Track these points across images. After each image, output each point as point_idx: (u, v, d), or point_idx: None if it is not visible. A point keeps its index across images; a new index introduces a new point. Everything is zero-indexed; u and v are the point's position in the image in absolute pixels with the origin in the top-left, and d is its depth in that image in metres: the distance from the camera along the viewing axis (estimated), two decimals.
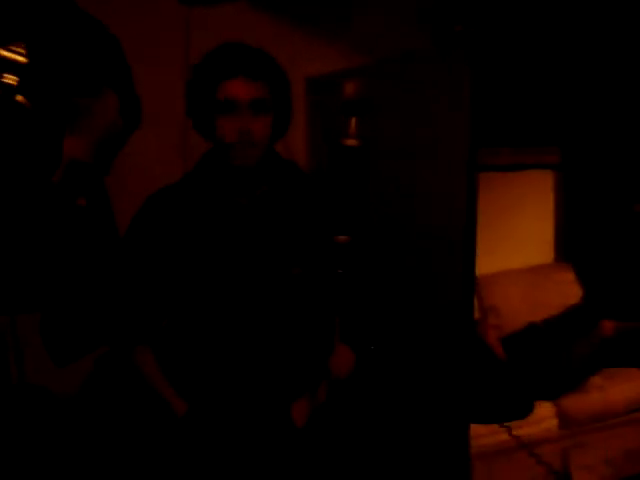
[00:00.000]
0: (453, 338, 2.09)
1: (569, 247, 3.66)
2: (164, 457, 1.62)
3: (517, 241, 3.48)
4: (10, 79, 1.18)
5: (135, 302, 1.57)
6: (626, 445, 2.94)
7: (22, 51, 1.19)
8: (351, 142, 1.46)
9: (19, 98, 1.19)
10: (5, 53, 1.18)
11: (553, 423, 2.88)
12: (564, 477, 2.82)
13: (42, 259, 1.24)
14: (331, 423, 1.67)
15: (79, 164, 1.25)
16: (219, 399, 1.58)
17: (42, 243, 1.23)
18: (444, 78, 1.98)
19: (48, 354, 1.40)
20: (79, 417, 1.92)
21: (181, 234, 1.58)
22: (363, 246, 1.61)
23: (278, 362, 1.59)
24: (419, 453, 2.13)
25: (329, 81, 2.03)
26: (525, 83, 3.00)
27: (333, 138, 1.47)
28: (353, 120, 1.45)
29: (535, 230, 3.61)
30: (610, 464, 2.87)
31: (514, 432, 2.74)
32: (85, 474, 1.85)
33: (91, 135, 1.27)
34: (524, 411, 2.80)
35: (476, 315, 2.96)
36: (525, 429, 2.78)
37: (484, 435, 2.64)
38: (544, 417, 2.86)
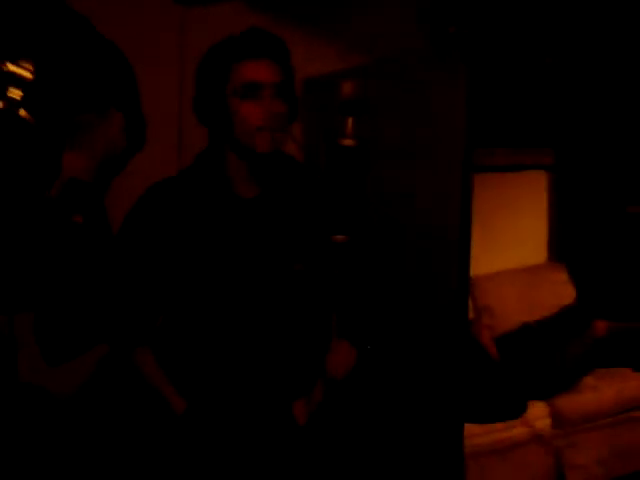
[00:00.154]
0: (447, 338, 2.09)
1: (563, 248, 3.68)
2: (164, 456, 1.62)
3: (510, 241, 3.49)
4: (15, 93, 1.20)
5: (131, 300, 1.56)
6: (619, 445, 2.95)
7: (29, 67, 1.21)
8: (348, 142, 1.46)
9: (22, 113, 1.20)
10: (12, 68, 1.20)
11: (546, 423, 2.89)
12: (557, 477, 2.84)
13: (37, 267, 1.26)
14: (329, 421, 1.67)
15: (78, 182, 1.26)
16: (219, 397, 1.58)
17: (38, 253, 1.25)
18: (440, 79, 1.98)
19: (41, 354, 1.40)
20: (78, 417, 1.92)
21: (180, 229, 1.56)
22: (360, 246, 1.60)
23: (278, 360, 1.58)
24: (413, 452, 2.13)
25: (326, 81, 2.04)
26: (520, 85, 3.02)
27: (330, 138, 1.47)
28: (350, 120, 1.45)
29: (529, 230, 3.62)
30: (603, 464, 2.88)
31: (508, 431, 2.75)
32: (84, 473, 1.84)
33: (93, 153, 1.28)
34: (517, 411, 2.81)
35: (470, 315, 2.97)
36: (518, 429, 2.80)
37: (478, 435, 2.65)
38: (537, 417, 2.87)
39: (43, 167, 1.26)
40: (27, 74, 1.20)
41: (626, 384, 3.07)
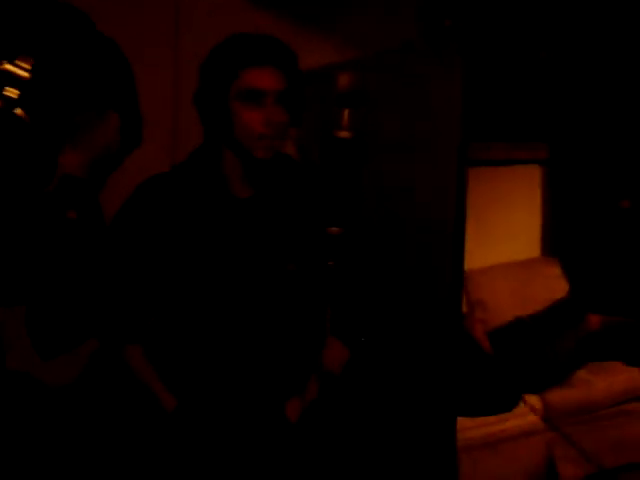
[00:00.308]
0: (441, 332, 2.10)
1: (556, 242, 3.69)
2: (155, 452, 1.61)
3: (504, 235, 3.50)
4: (11, 92, 1.21)
5: (123, 296, 1.56)
6: (611, 438, 2.97)
7: (27, 66, 1.22)
8: (344, 134, 1.46)
9: (18, 112, 1.21)
10: (9, 67, 1.21)
11: (539, 416, 2.91)
12: (549, 469, 2.85)
13: (31, 261, 1.26)
14: (323, 417, 1.67)
15: (72, 178, 1.27)
16: (210, 395, 1.57)
17: (32, 248, 1.25)
18: (437, 72, 1.98)
19: (33, 347, 1.40)
20: (71, 409, 1.91)
21: (172, 226, 1.55)
22: (354, 238, 1.60)
23: (270, 357, 1.58)
24: (406, 446, 2.14)
25: (322, 73, 2.03)
26: (515, 79, 3.02)
27: (326, 130, 1.47)
28: (346, 112, 1.45)
29: (522, 225, 3.63)
30: (595, 456, 2.90)
31: (500, 425, 2.76)
32: (76, 466, 1.84)
33: (88, 152, 1.30)
34: (510, 404, 2.82)
35: (463, 309, 2.98)
36: (511, 422, 2.81)
37: (470, 428, 2.66)
38: (530, 410, 2.89)
39: (39, 166, 1.26)
40: (24, 73, 1.21)
41: (618, 378, 3.09)
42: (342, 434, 1.99)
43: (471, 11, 2.41)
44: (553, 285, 3.43)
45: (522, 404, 2.86)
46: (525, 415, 2.86)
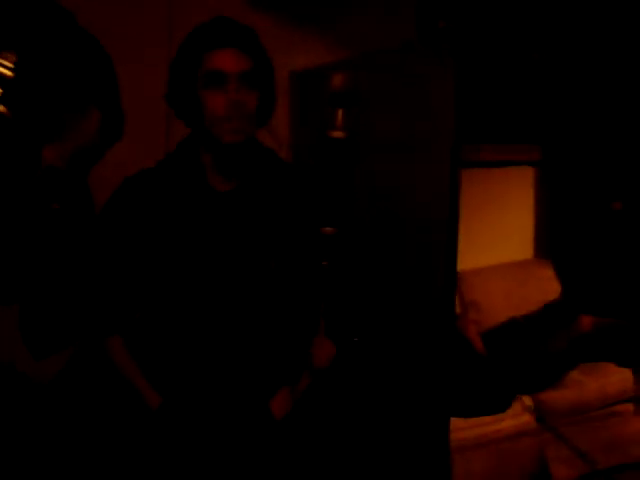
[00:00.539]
0: (434, 332, 2.10)
1: (549, 244, 3.70)
2: (139, 449, 1.61)
3: (497, 237, 3.51)
4: None
5: (105, 287, 1.55)
6: (603, 438, 2.98)
7: (9, 65, 1.22)
8: (337, 134, 1.46)
9: (1, 108, 1.20)
10: None
11: (531, 417, 2.91)
12: (542, 470, 2.86)
13: (19, 254, 1.26)
14: (312, 415, 1.67)
15: (54, 170, 1.27)
16: (195, 392, 1.56)
17: (19, 240, 1.26)
18: (430, 74, 1.99)
19: (26, 347, 1.40)
20: (55, 403, 1.90)
21: (154, 221, 1.54)
22: (348, 238, 1.60)
23: (254, 354, 1.57)
24: (399, 446, 2.14)
25: (316, 73, 2.04)
26: (508, 81, 3.03)
27: (320, 130, 1.47)
28: (340, 112, 1.45)
29: (515, 226, 3.64)
30: (587, 457, 2.91)
31: (493, 425, 2.77)
32: (59, 459, 1.83)
33: (70, 145, 1.31)
34: (503, 405, 2.83)
35: (457, 310, 2.98)
36: (504, 423, 2.82)
37: (464, 428, 2.67)
38: (523, 411, 2.89)
39: (22, 161, 1.27)
40: (7, 72, 1.22)
41: (610, 379, 3.11)
42: (336, 434, 1.99)
43: (465, 13, 2.42)
44: (546, 286, 3.44)
45: (515, 405, 2.87)
46: (518, 416, 2.87)
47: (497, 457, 2.78)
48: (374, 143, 2.02)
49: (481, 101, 2.77)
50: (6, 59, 1.21)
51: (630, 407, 3.10)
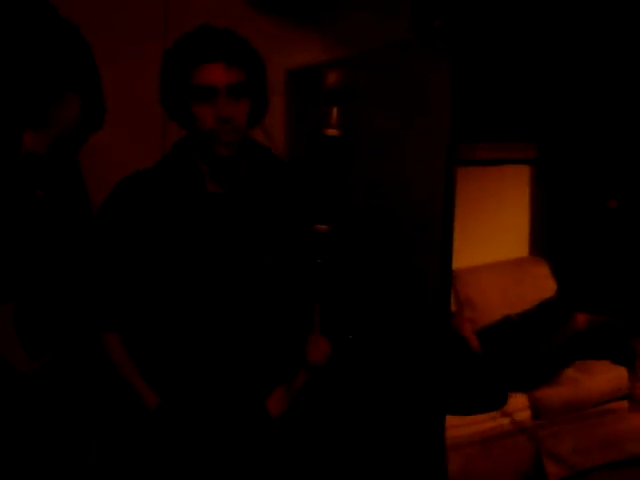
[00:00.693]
0: (430, 330, 2.10)
1: (544, 242, 3.71)
2: (137, 449, 1.61)
3: (493, 235, 3.52)
4: None
5: (102, 284, 1.55)
6: (598, 435, 2.99)
7: None
8: (332, 132, 1.46)
9: None
10: None
11: (527, 414, 2.92)
12: (537, 467, 2.87)
13: (9, 246, 1.26)
14: (308, 413, 1.67)
15: (35, 156, 1.28)
16: (192, 391, 1.57)
17: (5, 230, 1.26)
18: (425, 72, 1.99)
19: (23, 346, 1.40)
20: (40, 395, 1.89)
21: (150, 222, 1.55)
22: (343, 236, 1.61)
23: (251, 353, 1.57)
24: (395, 444, 2.15)
25: (311, 71, 2.04)
26: (504, 80, 3.03)
27: (315, 128, 1.48)
28: (335, 110, 1.45)
29: (511, 224, 3.65)
30: (582, 454, 2.92)
31: (489, 423, 2.78)
32: (44, 453, 1.82)
33: (50, 131, 1.31)
34: (498, 402, 2.84)
35: (452, 308, 2.99)
36: (499, 420, 2.82)
37: (459, 426, 2.68)
38: (518, 408, 2.90)
39: (2, 148, 1.27)
40: None
41: (605, 376, 3.12)
42: (331, 432, 2.00)
43: (461, 12, 2.42)
44: (541, 284, 3.45)
45: (510, 402, 2.88)
46: (513, 413, 2.88)
47: (492, 454, 2.79)
48: (370, 141, 2.02)
49: (477, 99, 2.77)
50: None
51: (625, 404, 3.11)
